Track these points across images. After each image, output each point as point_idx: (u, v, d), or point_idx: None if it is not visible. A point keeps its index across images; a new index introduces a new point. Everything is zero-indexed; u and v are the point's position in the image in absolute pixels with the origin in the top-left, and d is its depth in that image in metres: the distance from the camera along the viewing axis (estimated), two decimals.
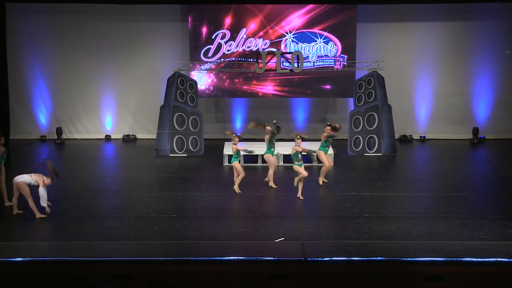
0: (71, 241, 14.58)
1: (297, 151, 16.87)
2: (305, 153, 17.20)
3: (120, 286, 12.67)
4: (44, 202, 15.39)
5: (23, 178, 15.49)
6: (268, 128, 18.07)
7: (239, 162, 17.83)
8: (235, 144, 17.39)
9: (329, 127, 18.35)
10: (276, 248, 14.03)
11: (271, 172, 17.97)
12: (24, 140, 23.39)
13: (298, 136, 16.92)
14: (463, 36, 23.76)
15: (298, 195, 16.99)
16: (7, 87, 21.27)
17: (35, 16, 23.32)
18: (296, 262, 13.38)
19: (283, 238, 14.57)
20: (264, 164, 19.72)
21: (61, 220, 15.73)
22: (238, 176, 17.44)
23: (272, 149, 17.97)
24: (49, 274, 13.06)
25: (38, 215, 15.65)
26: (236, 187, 17.45)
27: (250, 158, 20.39)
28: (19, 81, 23.41)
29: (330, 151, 19.56)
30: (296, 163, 16.95)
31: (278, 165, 20.41)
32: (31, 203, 15.54)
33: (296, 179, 17.06)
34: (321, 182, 18.23)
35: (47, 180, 15.52)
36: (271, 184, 17.94)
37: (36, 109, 24.09)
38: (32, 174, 15.57)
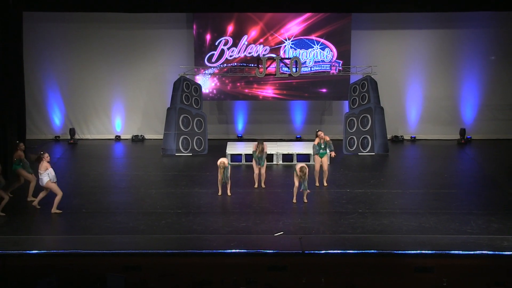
0: (83, 235, 14.59)
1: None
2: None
3: (129, 277, 12.69)
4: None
5: (46, 178, 15.61)
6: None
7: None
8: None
9: (321, 132, 18.20)
10: (275, 242, 14.04)
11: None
12: (40, 140, 23.38)
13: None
14: (451, 43, 23.74)
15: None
16: (23, 91, 21.29)
17: (50, 24, 23.30)
18: (294, 255, 13.40)
19: (282, 232, 14.57)
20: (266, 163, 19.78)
21: (74, 215, 15.74)
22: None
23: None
24: (63, 265, 13.09)
25: (54, 210, 15.68)
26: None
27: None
28: (34, 85, 23.40)
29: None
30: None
31: (277, 164, 20.39)
32: (58, 198, 15.70)
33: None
34: (318, 184, 18.12)
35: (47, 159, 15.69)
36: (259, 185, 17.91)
37: (51, 111, 24.08)
38: (40, 170, 15.66)
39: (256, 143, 17.93)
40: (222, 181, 16.95)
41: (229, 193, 17.11)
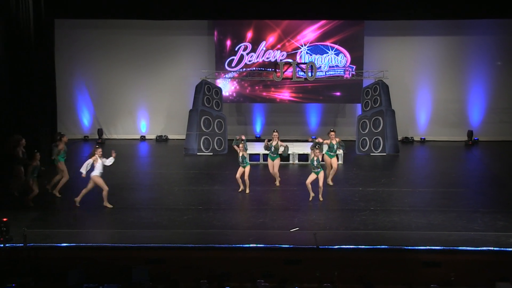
0: (110, 229, 14.67)
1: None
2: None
3: (153, 269, 12.73)
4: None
5: (96, 172, 15.78)
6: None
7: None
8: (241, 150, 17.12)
9: (333, 133, 18.04)
10: (291, 237, 14.04)
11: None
12: (69, 139, 23.40)
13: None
14: (459, 49, 23.61)
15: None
16: (55, 94, 21.46)
17: (80, 31, 23.43)
18: (309, 250, 13.39)
19: (297, 228, 14.56)
20: (281, 162, 19.82)
21: (101, 211, 15.82)
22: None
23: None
24: (91, 258, 13.14)
25: (106, 204, 15.82)
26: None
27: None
28: (65, 88, 23.51)
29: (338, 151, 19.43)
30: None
31: (293, 163, 20.39)
32: (105, 193, 15.84)
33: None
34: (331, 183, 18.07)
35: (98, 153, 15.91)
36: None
37: (80, 112, 24.21)
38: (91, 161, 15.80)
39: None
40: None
41: (247, 191, 17.11)
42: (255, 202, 16.55)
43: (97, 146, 16.28)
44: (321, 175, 16.48)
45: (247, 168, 17.10)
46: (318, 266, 12.97)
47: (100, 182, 15.83)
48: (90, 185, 15.91)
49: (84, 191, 15.94)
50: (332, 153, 17.86)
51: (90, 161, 15.80)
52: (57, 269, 12.82)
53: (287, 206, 16.19)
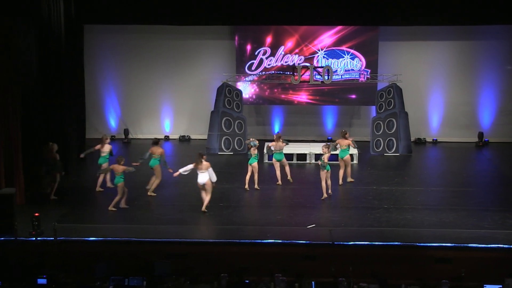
0: (135, 224, 14.72)
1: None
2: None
3: (175, 263, 12.76)
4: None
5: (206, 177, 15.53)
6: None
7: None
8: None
9: (347, 134, 18.03)
10: (307, 233, 14.02)
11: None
12: (97, 139, 23.40)
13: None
14: (470, 53, 23.44)
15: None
16: (84, 95, 21.59)
17: (108, 35, 23.56)
18: (325, 245, 13.37)
19: (313, 225, 14.54)
20: (298, 162, 19.81)
21: (127, 207, 15.88)
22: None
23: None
24: (117, 252, 13.21)
25: (204, 208, 15.48)
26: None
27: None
28: (93, 90, 23.65)
29: (353, 151, 19.39)
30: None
31: (310, 163, 20.36)
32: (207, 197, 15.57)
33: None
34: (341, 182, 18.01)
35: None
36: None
37: (107, 113, 24.33)
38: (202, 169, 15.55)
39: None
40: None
41: (257, 187, 17.16)
42: (273, 200, 16.55)
43: (200, 153, 15.80)
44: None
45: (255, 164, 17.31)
46: (333, 261, 12.94)
47: (209, 188, 15.48)
48: (206, 193, 15.56)
49: (203, 195, 15.69)
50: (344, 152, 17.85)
51: (190, 166, 15.56)
52: (85, 262, 12.89)
53: (304, 204, 16.17)
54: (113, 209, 15.49)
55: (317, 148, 20.96)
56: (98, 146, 17.18)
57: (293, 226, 14.53)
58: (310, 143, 22.09)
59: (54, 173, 16.45)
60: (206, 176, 15.43)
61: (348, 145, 17.79)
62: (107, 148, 17.35)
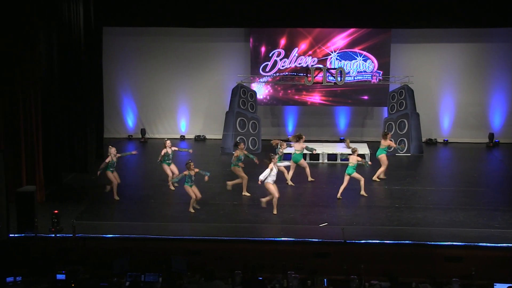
0: (151, 221, 14.78)
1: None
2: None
3: (190, 260, 12.80)
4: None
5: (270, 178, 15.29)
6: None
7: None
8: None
9: (389, 135, 18.35)
10: (320, 232, 14.01)
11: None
12: (115, 138, 23.70)
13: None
14: (480, 56, 23.29)
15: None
16: (102, 96, 21.68)
17: (125, 37, 23.62)
18: (337, 244, 13.36)
19: (326, 223, 14.53)
20: (311, 161, 19.76)
21: (143, 205, 15.98)
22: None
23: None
24: (134, 248, 13.27)
25: (264, 204, 15.49)
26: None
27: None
28: (111, 91, 23.73)
29: (367, 151, 19.38)
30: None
31: (323, 162, 20.35)
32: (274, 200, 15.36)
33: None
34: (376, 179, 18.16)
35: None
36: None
37: (125, 113, 24.41)
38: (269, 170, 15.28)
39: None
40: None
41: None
42: (286, 199, 16.54)
43: (272, 154, 15.61)
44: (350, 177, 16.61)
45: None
46: (345, 259, 12.93)
47: (272, 188, 15.23)
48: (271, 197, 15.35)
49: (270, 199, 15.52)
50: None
51: (268, 170, 15.25)
52: (103, 258, 12.97)
53: (317, 203, 16.16)
54: (193, 210, 15.46)
55: (329, 148, 20.98)
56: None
57: (306, 225, 14.53)
58: (323, 143, 22.04)
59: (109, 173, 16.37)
60: (270, 178, 15.19)
61: (387, 146, 18.00)
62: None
